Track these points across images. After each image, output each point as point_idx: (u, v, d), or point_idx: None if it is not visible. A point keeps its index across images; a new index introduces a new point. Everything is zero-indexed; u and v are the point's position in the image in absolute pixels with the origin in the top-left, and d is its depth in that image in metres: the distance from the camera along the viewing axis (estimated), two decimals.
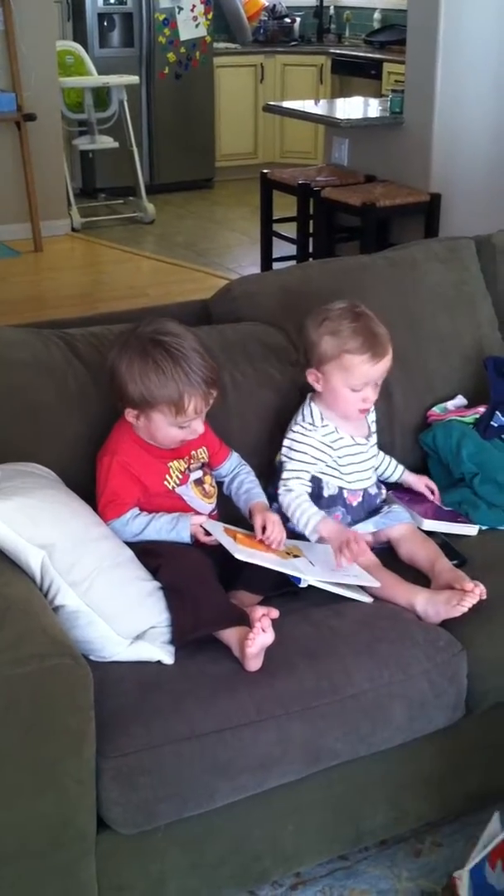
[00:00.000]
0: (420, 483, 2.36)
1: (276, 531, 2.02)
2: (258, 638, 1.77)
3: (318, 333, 2.13)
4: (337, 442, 2.17)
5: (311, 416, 2.17)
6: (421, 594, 2.02)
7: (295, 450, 2.15)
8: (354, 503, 2.20)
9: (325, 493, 2.18)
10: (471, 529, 2.27)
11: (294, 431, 2.17)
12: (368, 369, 2.11)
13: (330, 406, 2.17)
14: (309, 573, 1.96)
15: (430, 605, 2.00)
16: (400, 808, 2.05)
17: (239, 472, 2.16)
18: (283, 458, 2.17)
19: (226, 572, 1.96)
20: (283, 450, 2.18)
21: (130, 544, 1.94)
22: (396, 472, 2.37)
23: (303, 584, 1.95)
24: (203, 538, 1.98)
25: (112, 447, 2.02)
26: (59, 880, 1.70)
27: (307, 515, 2.10)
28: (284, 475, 2.15)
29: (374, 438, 2.28)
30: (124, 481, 1.99)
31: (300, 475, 2.15)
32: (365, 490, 2.22)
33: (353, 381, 2.11)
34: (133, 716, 1.70)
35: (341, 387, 2.12)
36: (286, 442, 2.17)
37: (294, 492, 2.13)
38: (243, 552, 1.92)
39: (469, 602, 1.97)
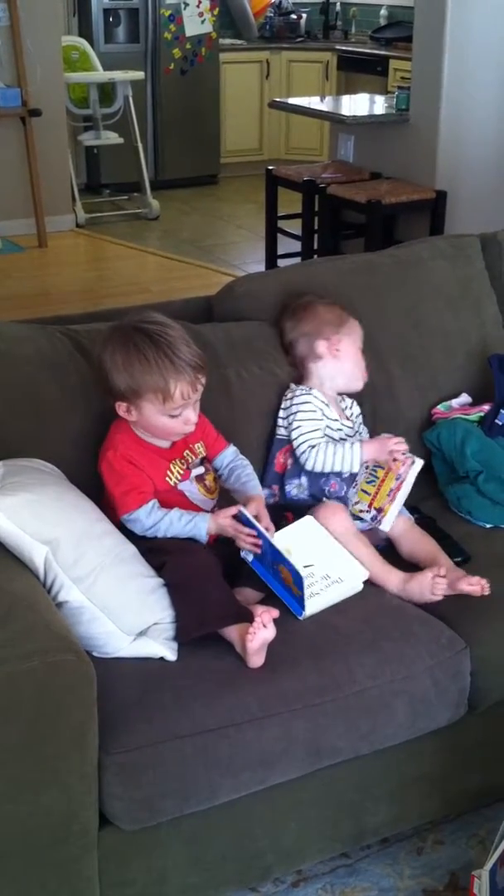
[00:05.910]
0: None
1: (270, 526, 2.04)
2: (259, 632, 1.77)
3: (312, 325, 2.27)
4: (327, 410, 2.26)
5: (307, 386, 2.26)
6: (394, 577, 2.05)
7: (303, 411, 2.21)
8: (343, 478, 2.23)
9: None
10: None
11: (293, 400, 2.22)
12: (359, 328, 2.31)
13: (336, 378, 2.28)
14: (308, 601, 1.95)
15: (402, 593, 2.04)
16: (402, 806, 2.05)
17: (236, 466, 2.14)
18: (294, 426, 2.20)
19: (229, 569, 1.96)
20: (290, 419, 2.21)
21: (135, 541, 1.94)
22: None
23: (302, 617, 1.94)
24: (233, 532, 1.95)
25: (112, 445, 2.00)
26: (60, 875, 1.70)
27: (344, 456, 2.16)
28: (300, 440, 2.19)
29: (356, 429, 2.31)
30: (137, 472, 1.98)
31: (314, 433, 2.19)
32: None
33: (360, 342, 2.30)
34: (136, 712, 1.70)
35: (355, 351, 2.29)
36: (293, 409, 2.21)
37: (318, 446, 2.17)
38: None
39: (440, 590, 2.00)
